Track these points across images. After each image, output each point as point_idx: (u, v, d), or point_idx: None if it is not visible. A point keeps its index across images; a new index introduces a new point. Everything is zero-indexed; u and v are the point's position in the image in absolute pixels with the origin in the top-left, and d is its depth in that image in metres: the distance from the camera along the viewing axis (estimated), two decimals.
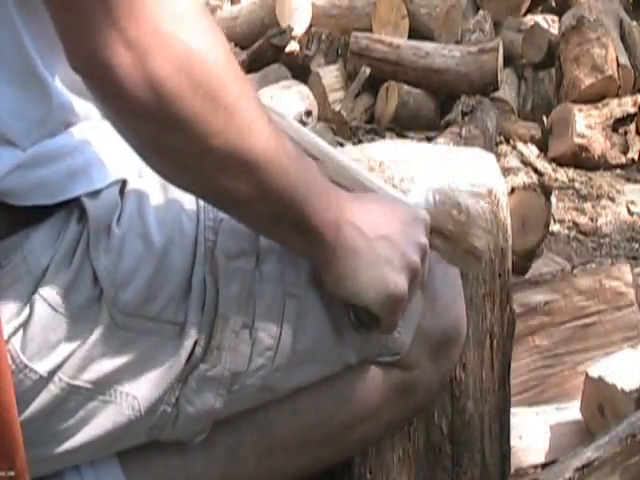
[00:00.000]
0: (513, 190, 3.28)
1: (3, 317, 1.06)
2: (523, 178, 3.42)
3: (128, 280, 1.12)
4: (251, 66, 4.62)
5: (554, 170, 4.14)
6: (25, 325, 1.10)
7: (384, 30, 4.74)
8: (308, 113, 4.40)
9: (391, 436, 1.42)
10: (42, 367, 1.10)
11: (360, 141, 4.17)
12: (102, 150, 1.14)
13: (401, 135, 4.30)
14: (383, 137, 4.24)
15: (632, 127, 4.30)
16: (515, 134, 4.31)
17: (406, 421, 1.41)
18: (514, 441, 1.72)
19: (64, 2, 0.97)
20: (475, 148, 1.64)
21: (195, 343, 1.14)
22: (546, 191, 3.40)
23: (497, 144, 4.12)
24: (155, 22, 0.96)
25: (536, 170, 3.90)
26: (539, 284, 2.21)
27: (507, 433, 1.58)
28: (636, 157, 4.29)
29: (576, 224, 3.74)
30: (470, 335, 1.41)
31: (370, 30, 4.73)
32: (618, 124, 4.27)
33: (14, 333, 1.09)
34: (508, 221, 1.49)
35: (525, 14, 5.16)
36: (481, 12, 4.87)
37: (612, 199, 3.93)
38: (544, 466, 1.87)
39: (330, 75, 4.66)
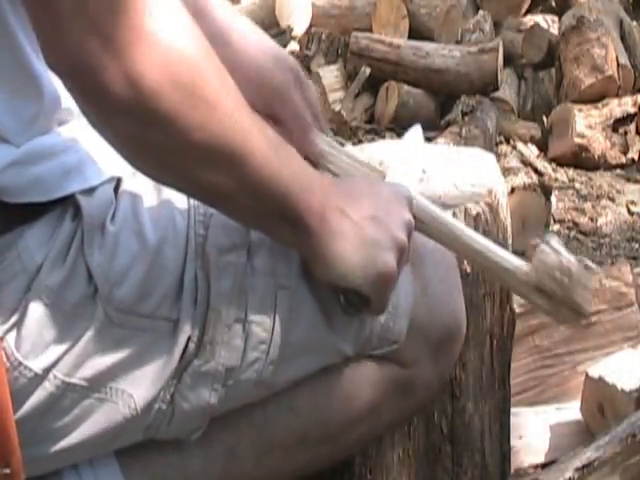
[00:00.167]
0: (513, 190, 3.28)
1: None
2: (523, 178, 3.42)
3: (122, 277, 1.11)
4: None
5: (554, 170, 4.13)
6: (19, 322, 1.09)
7: (384, 30, 4.73)
8: None
9: (391, 436, 1.41)
10: (37, 365, 1.10)
11: (360, 141, 4.16)
12: (96, 148, 1.14)
13: (401, 135, 4.29)
14: (383, 137, 4.24)
15: (632, 127, 4.30)
16: (515, 134, 4.31)
17: (406, 420, 1.41)
18: (514, 441, 1.72)
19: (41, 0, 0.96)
20: (475, 148, 1.65)
21: (188, 339, 1.14)
22: (546, 191, 3.40)
23: (497, 144, 4.11)
24: (133, 19, 0.96)
25: (536, 170, 3.89)
26: None
27: (507, 433, 1.58)
28: (636, 157, 4.28)
29: (576, 224, 3.73)
30: (470, 335, 1.41)
31: (370, 30, 4.72)
32: (618, 124, 4.27)
33: (8, 331, 1.09)
34: (508, 221, 1.49)
35: (525, 14, 5.15)
36: (481, 12, 4.87)
37: (612, 199, 3.93)
38: (544, 466, 1.86)
39: (330, 75, 4.65)
